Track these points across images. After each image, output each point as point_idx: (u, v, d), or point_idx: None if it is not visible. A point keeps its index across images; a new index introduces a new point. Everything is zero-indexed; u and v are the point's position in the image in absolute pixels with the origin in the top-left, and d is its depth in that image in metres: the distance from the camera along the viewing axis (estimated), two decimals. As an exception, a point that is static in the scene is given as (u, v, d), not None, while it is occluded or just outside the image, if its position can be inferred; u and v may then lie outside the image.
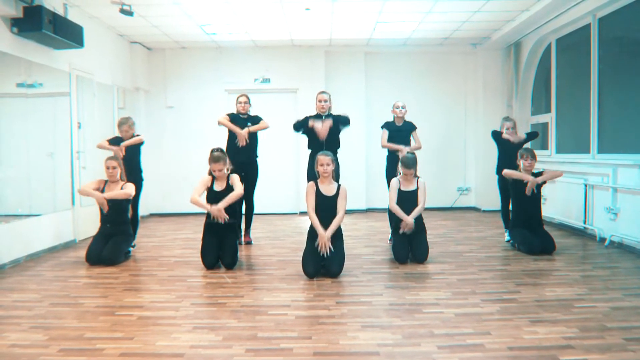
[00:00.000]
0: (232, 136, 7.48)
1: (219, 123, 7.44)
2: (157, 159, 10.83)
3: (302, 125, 7.10)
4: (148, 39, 10.07)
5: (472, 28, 9.48)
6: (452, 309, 4.37)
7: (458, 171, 11.40)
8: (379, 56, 11.20)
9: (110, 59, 9.38)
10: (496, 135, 7.51)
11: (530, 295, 4.72)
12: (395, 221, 6.44)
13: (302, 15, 8.56)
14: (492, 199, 10.67)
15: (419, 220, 6.34)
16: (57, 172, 7.63)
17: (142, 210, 10.46)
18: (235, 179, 6.16)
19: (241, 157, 7.24)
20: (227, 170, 6.21)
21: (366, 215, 10.63)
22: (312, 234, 5.70)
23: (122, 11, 7.68)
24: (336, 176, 6.16)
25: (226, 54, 10.93)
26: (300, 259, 5.71)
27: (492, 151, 10.72)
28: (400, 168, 6.40)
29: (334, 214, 5.67)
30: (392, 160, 7.45)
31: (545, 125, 9.70)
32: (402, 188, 6.36)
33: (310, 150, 7.11)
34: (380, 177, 10.56)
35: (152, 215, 10.87)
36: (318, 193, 5.70)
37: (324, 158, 5.73)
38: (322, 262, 5.56)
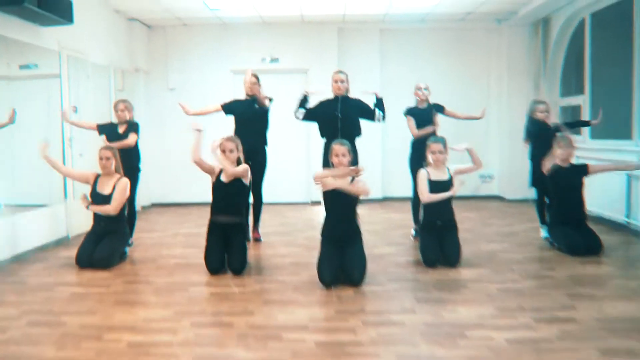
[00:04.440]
0: (238, 122, 6.78)
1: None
2: (158, 145, 10.12)
3: (305, 110, 6.43)
4: (147, 15, 9.31)
5: (498, 1, 8.67)
6: (501, 332, 3.66)
7: (480, 157, 10.60)
8: (395, 33, 10.41)
9: (106, 37, 8.63)
10: (533, 122, 6.72)
11: (589, 313, 4.01)
12: (424, 216, 5.72)
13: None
14: (516, 187, 9.99)
15: (449, 216, 5.64)
16: (43, 164, 6.93)
17: (143, 200, 9.81)
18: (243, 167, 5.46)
19: (248, 144, 6.54)
20: (239, 156, 5.51)
21: (382, 205, 9.91)
22: (327, 236, 5.01)
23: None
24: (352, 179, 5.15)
25: (231, 32, 10.17)
26: (315, 260, 5.02)
27: (517, 135, 10.06)
28: (429, 154, 5.65)
29: (348, 207, 4.97)
30: (419, 148, 6.40)
31: (576, 109, 8.93)
32: (433, 178, 5.63)
33: (324, 140, 6.40)
34: (398, 163, 9.92)
35: (153, 205, 10.19)
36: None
37: (339, 148, 5.00)
38: (341, 267, 4.88)
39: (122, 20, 9.31)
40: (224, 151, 5.40)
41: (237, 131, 6.72)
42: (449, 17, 9.73)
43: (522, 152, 10.11)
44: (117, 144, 6.20)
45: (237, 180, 5.42)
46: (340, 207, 4.94)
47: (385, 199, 10.36)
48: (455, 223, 5.67)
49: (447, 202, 5.63)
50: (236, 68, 9.92)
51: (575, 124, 7.32)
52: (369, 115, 6.41)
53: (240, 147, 5.53)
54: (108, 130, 6.48)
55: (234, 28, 10.11)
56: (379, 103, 6.41)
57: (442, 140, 5.68)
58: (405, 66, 10.35)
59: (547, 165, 6.10)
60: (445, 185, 5.61)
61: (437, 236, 5.55)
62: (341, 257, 4.88)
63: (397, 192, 10.23)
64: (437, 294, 4.59)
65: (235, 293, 4.69)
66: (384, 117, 6.43)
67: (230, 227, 5.40)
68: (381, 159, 10.37)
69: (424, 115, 6.81)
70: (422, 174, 5.66)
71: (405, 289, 4.75)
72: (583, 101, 8.62)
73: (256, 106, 6.67)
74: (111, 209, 5.77)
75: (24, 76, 6.76)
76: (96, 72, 8.18)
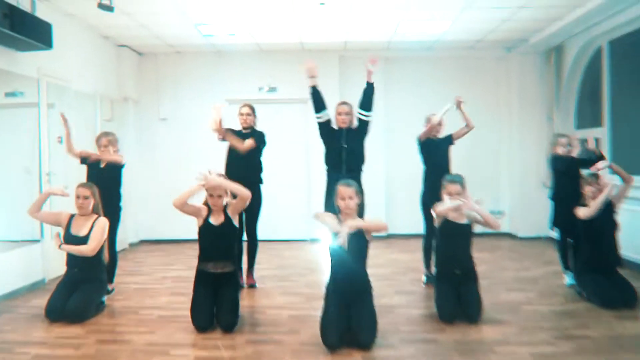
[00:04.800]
0: (231, 155, 6.21)
1: (213, 130, 6.16)
2: (148, 177, 9.51)
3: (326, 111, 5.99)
4: (137, 41, 8.77)
5: (511, 28, 8.15)
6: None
7: (490, 191, 9.99)
8: (399, 62, 9.88)
9: (92, 64, 8.08)
10: (556, 158, 6.12)
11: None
12: (441, 263, 5.09)
13: (315, 12, 7.25)
14: (529, 224, 9.42)
15: (469, 264, 5.01)
16: (23, 196, 6.32)
17: (131, 237, 9.19)
18: (231, 204, 4.87)
19: (241, 179, 5.96)
20: (227, 199, 4.90)
21: (387, 243, 9.27)
22: (333, 291, 4.37)
23: (101, 6, 6.36)
24: (360, 211, 4.64)
25: (227, 60, 9.63)
26: (318, 314, 4.37)
27: (528, 169, 9.55)
28: (445, 195, 5.02)
29: (357, 258, 4.37)
30: (433, 183, 5.78)
31: (594, 142, 8.36)
32: (450, 217, 5.01)
33: (327, 168, 5.86)
34: (403, 196, 9.44)
35: (142, 242, 9.54)
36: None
37: (345, 190, 4.38)
38: (348, 327, 4.23)
39: (111, 46, 8.77)
40: (211, 195, 4.81)
41: (230, 165, 6.17)
42: (458, 44, 9.22)
43: (534, 187, 9.67)
44: (107, 157, 5.67)
45: (227, 223, 4.81)
46: (348, 260, 4.31)
47: (390, 237, 9.70)
48: (475, 273, 5.03)
49: (466, 248, 5.01)
50: (232, 97, 9.30)
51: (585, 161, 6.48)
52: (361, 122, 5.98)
53: (229, 192, 4.92)
54: (90, 162, 5.87)
55: (230, 56, 9.59)
56: (369, 89, 5.88)
57: (460, 180, 5.07)
58: (411, 95, 9.83)
59: (582, 211, 5.42)
60: (463, 230, 4.98)
61: (454, 287, 4.91)
62: (348, 316, 4.24)
63: (403, 228, 9.56)
64: (460, 360, 3.94)
65: (223, 359, 4.03)
66: (369, 109, 5.92)
67: (221, 277, 4.77)
68: (385, 192, 9.77)
69: (437, 147, 6.26)
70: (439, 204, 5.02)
71: (423, 354, 4.09)
72: (602, 134, 8.06)
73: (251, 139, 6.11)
74: (88, 249, 5.13)
75: (9, 104, 6.26)
76: (80, 100, 7.62)
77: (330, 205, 4.77)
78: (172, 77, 9.69)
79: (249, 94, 9.49)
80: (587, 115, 8.78)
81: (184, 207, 4.76)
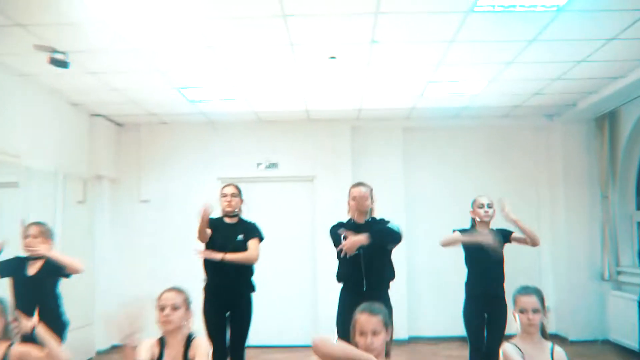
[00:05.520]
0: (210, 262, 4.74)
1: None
2: (125, 272, 7.92)
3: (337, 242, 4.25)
4: (113, 109, 7.43)
5: (559, 90, 6.78)
6: None
7: (530, 282, 8.34)
8: (422, 133, 8.49)
9: (54, 135, 6.71)
10: None
11: None
12: None
13: (324, 70, 5.91)
14: (581, 325, 7.75)
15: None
16: None
17: (102, 344, 7.53)
18: (201, 346, 3.22)
19: (227, 288, 4.48)
20: (187, 322, 3.30)
21: (409, 348, 7.60)
22: None
23: (53, 61, 5.06)
24: (387, 349, 2.90)
25: (220, 131, 8.26)
26: None
27: (577, 259, 7.95)
28: (516, 314, 3.42)
29: None
30: (477, 290, 4.59)
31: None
32: (527, 351, 3.37)
33: (341, 285, 4.31)
34: (427, 290, 8.23)
35: (114, 347, 7.85)
36: None
37: (368, 321, 2.79)
38: None
39: (83, 115, 7.44)
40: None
41: (211, 269, 4.67)
42: (490, 111, 7.87)
43: (584, 281, 7.99)
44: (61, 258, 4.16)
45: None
46: None
47: (413, 340, 8.04)
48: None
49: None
50: (225, 175, 7.84)
51: None
52: (389, 234, 4.30)
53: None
54: (13, 269, 4.31)
55: (223, 127, 8.24)
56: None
57: (538, 293, 3.48)
58: (435, 173, 8.49)
59: None
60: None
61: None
62: None
63: (427, 330, 8.13)
64: None
65: None
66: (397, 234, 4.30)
67: None
68: (406, 288, 8.07)
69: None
70: (510, 350, 3.38)
71: None
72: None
73: (240, 238, 4.63)
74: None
75: None
76: (35, 180, 6.20)
77: (344, 331, 3.22)
78: (157, 152, 8.30)
79: (246, 171, 8.12)
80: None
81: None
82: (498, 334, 4.74)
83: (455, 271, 8.14)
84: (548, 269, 8.38)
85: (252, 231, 4.76)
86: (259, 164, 8.26)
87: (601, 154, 7.80)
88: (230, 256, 4.57)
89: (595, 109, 7.42)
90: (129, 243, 8.10)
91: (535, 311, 3.37)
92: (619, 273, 7.54)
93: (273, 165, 8.26)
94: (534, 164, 8.50)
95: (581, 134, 8.09)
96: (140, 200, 8.24)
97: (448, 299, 7.65)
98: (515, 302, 3.45)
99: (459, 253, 7.90)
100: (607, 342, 7.44)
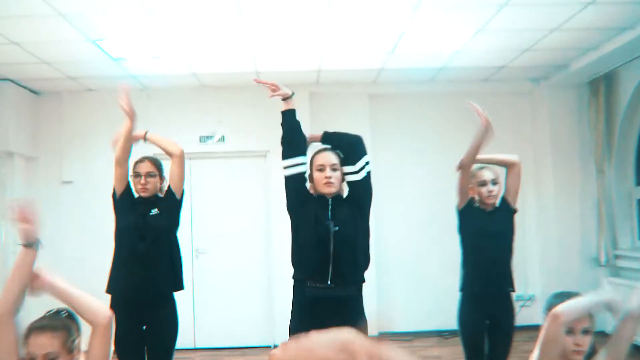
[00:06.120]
0: (125, 242, 3.58)
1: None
2: (45, 264, 6.74)
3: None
4: (24, 73, 6.17)
5: (552, 46, 5.78)
6: None
7: (515, 271, 7.49)
8: (391, 100, 7.49)
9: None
10: None
11: None
12: None
13: (274, 20, 4.77)
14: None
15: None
16: None
17: None
18: None
19: (142, 289, 3.38)
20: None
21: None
22: None
23: None
24: None
25: (156, 100, 7.09)
26: None
27: (566, 243, 7.11)
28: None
29: None
30: (475, 291, 3.78)
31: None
32: None
33: (296, 276, 3.24)
34: (398, 277, 7.39)
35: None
36: None
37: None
38: None
39: (-17, 80, 6.17)
40: None
41: (120, 261, 3.53)
42: (469, 74, 6.86)
43: (577, 266, 7.09)
44: None
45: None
46: None
47: (382, 335, 7.13)
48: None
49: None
50: (162, 152, 6.74)
51: None
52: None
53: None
54: None
55: (158, 94, 7.06)
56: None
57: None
58: (407, 147, 7.52)
59: None
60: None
61: None
62: None
63: (399, 325, 7.25)
64: None
65: None
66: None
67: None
68: (375, 275, 7.03)
69: (490, 221, 3.89)
70: None
71: None
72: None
73: (154, 212, 3.52)
74: None
75: None
76: None
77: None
78: (81, 126, 7.08)
79: (187, 146, 6.78)
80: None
81: None
82: (503, 346, 3.76)
83: (430, 258, 7.33)
84: (534, 254, 7.51)
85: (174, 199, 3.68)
86: (202, 138, 7.13)
87: (596, 123, 6.85)
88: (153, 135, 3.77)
89: (589, 70, 6.46)
90: (49, 231, 6.89)
91: (585, 332, 2.41)
92: (616, 257, 6.70)
93: (220, 140, 7.16)
94: (517, 135, 7.49)
95: (572, 100, 7.16)
96: (62, 181, 7.04)
97: (423, 291, 7.14)
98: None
99: (437, 237, 6.84)
100: (602, 334, 6.60)
